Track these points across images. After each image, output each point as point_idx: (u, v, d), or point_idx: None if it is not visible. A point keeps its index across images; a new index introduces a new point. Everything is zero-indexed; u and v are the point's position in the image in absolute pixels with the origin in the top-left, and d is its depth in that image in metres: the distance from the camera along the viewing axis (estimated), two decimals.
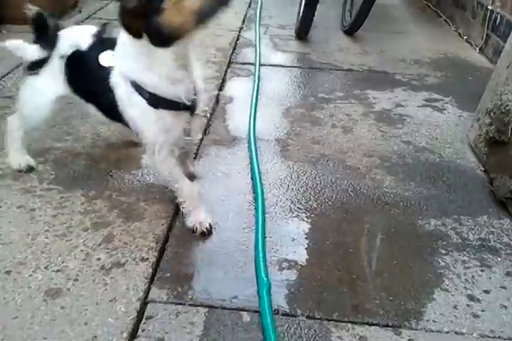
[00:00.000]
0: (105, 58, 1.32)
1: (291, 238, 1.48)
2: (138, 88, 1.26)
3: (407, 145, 2.05)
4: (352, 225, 1.55)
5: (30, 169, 1.69)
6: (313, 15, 3.08)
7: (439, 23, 3.88)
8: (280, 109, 2.30)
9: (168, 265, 1.35)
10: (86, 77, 1.40)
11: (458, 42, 3.42)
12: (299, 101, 2.39)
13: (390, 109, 2.36)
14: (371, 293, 1.30)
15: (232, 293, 1.27)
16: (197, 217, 1.47)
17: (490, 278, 1.37)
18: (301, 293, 1.29)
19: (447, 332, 1.20)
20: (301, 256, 1.42)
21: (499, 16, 2.95)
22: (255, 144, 1.95)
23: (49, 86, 1.50)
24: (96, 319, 1.16)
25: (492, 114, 1.87)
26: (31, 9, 1.42)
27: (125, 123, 1.37)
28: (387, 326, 1.20)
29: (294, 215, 1.58)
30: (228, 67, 2.75)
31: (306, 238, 1.49)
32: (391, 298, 1.28)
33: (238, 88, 2.52)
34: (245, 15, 3.73)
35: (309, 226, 1.54)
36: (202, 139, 1.98)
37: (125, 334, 1.12)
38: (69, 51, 1.43)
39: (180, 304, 1.23)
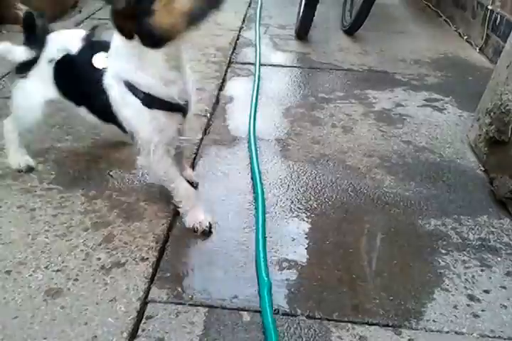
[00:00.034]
0: (99, 60, 1.32)
1: (292, 238, 1.48)
2: (132, 88, 1.26)
3: (407, 145, 2.05)
4: (352, 225, 1.55)
5: (29, 169, 1.68)
6: (313, 15, 3.08)
7: (439, 23, 3.88)
8: (280, 109, 2.30)
9: (168, 265, 1.35)
10: (78, 80, 1.39)
11: (458, 42, 3.42)
12: (299, 101, 2.39)
13: (390, 108, 2.36)
14: (371, 293, 1.29)
15: (232, 293, 1.27)
16: (196, 217, 1.47)
17: (490, 277, 1.37)
18: (301, 293, 1.28)
19: (447, 332, 1.20)
20: (301, 255, 1.42)
21: (499, 16, 2.95)
22: (255, 144, 1.95)
23: (38, 89, 1.49)
24: (96, 319, 1.16)
25: (492, 113, 1.87)
26: (22, 9, 1.42)
27: (118, 125, 1.37)
28: (387, 326, 1.20)
29: (294, 215, 1.58)
30: (228, 66, 2.75)
31: (306, 238, 1.49)
32: (391, 297, 1.28)
33: (238, 88, 2.52)
34: (245, 15, 3.74)
35: (309, 226, 1.54)
36: (202, 139, 1.98)
37: (125, 334, 1.12)
38: (58, 55, 1.42)
39: (180, 304, 1.23)
